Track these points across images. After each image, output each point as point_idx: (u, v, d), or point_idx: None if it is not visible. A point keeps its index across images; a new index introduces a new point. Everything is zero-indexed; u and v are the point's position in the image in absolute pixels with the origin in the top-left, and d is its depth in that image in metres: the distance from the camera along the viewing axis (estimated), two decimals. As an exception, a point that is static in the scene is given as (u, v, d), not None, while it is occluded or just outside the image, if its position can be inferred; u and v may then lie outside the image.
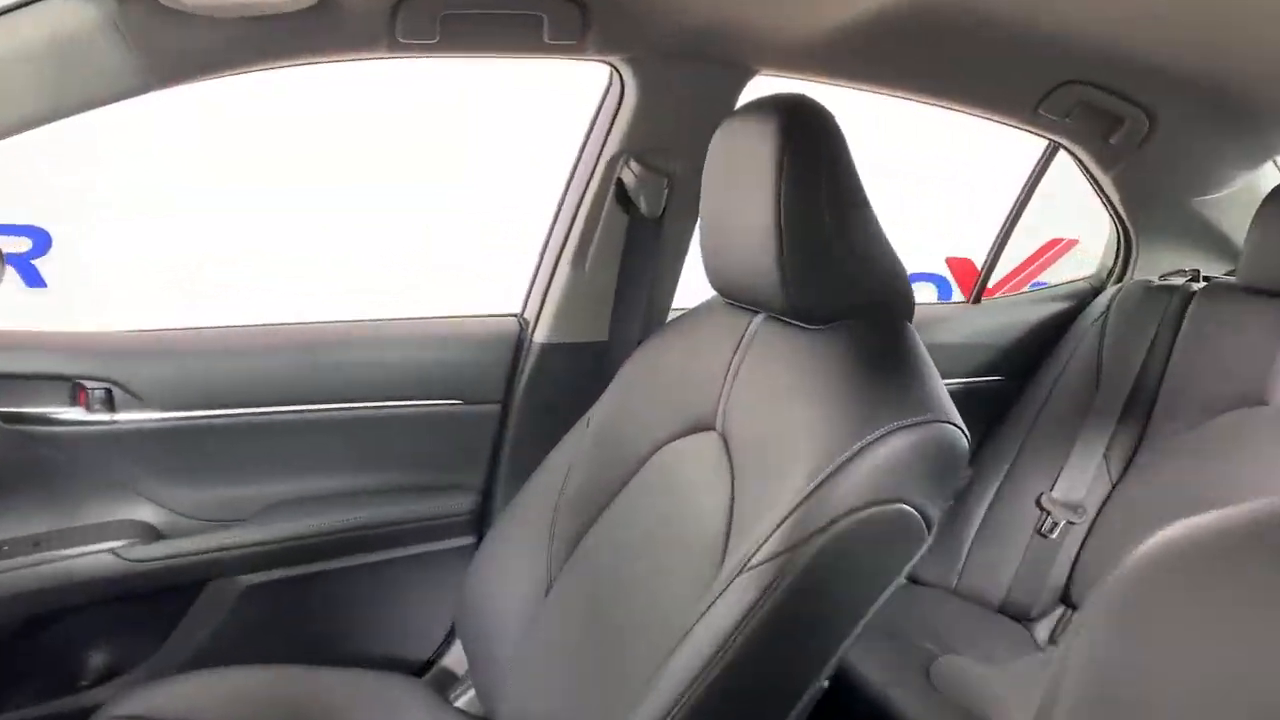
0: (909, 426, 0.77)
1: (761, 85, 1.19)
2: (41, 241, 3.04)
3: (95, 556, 1.15)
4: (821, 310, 0.87)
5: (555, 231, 1.36)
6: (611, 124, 1.25)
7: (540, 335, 1.34)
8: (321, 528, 1.27)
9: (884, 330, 0.88)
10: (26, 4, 0.89)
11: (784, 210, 0.84)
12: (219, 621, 1.24)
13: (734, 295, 0.97)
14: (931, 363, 0.86)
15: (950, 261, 3.57)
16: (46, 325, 1.21)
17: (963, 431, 0.81)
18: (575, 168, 1.34)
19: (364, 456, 1.31)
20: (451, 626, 1.35)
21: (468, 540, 1.36)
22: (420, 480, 1.35)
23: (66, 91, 0.93)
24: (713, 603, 0.77)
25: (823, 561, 0.75)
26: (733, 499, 0.84)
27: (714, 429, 0.92)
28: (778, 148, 0.84)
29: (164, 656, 1.22)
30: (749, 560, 0.76)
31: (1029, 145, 1.66)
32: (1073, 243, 3.41)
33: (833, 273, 0.87)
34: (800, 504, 0.75)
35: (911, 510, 0.77)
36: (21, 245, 3.01)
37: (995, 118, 1.46)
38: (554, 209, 1.37)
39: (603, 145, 1.27)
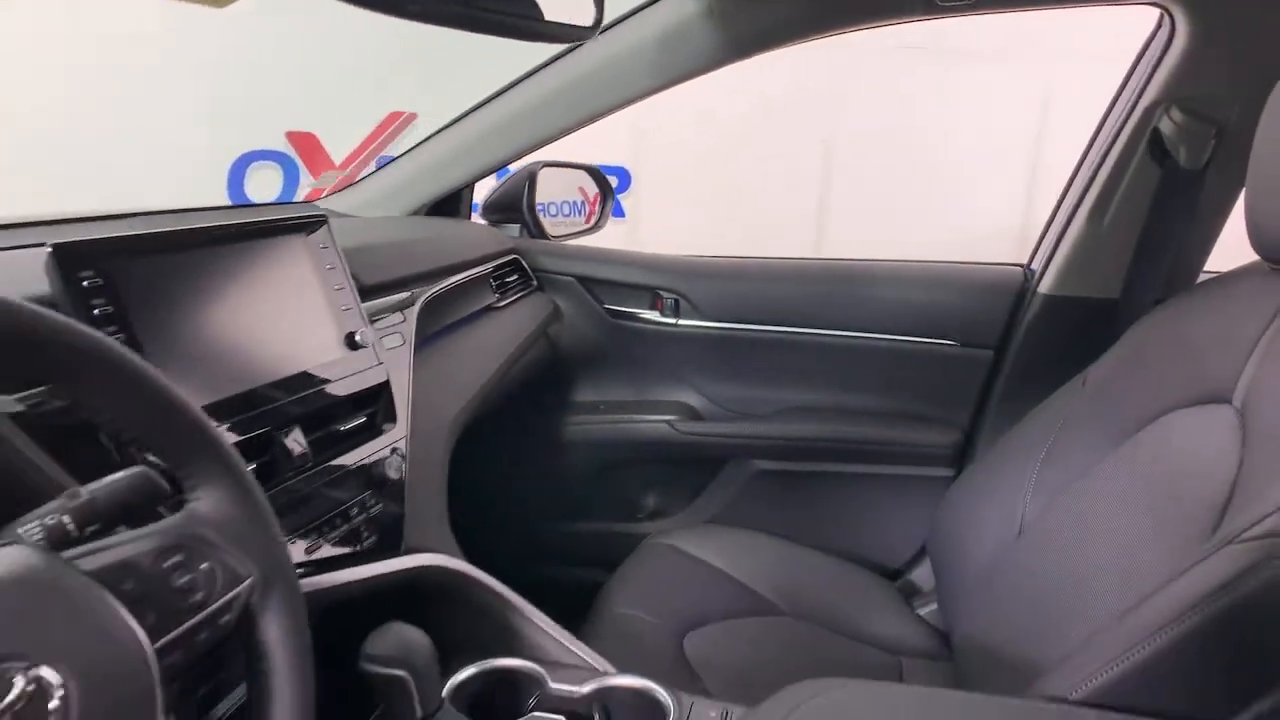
0: None
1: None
2: (624, 180, 3.80)
3: (655, 425, 1.53)
4: None
5: (1076, 180, 1.35)
6: (1154, 70, 1.19)
7: (1045, 286, 1.35)
8: (823, 434, 1.48)
9: None
10: (647, 5, 1.21)
11: None
12: (734, 492, 1.53)
13: None
14: None
15: None
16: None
17: None
18: (1106, 115, 1.30)
19: (865, 380, 1.49)
20: (922, 546, 1.46)
21: (946, 472, 1.45)
22: (910, 409, 1.48)
23: (672, 67, 1.25)
24: (1187, 570, 0.70)
25: None
26: (1238, 477, 0.75)
27: (1230, 403, 0.83)
28: None
29: (693, 511, 1.57)
30: (1239, 534, 0.68)
31: None
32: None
33: None
34: None
35: None
36: (610, 182, 3.78)
37: None
38: (1077, 158, 1.36)
39: (1140, 92, 1.21)
